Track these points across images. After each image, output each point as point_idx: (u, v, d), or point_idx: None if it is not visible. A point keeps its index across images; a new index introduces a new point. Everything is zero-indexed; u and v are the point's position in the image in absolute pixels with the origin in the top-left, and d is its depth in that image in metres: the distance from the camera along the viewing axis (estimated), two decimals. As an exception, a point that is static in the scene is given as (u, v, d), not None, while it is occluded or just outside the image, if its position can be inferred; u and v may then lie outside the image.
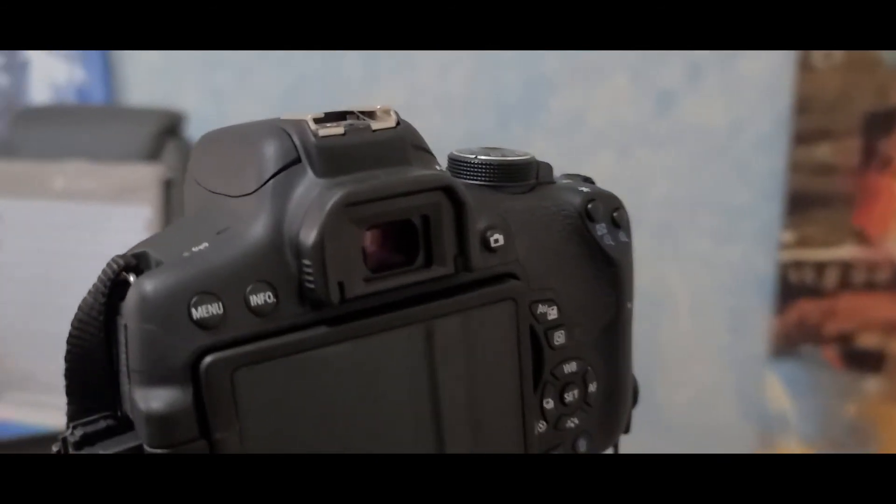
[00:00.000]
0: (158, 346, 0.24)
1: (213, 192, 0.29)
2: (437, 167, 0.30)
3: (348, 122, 0.28)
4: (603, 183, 0.36)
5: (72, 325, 0.26)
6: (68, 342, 0.26)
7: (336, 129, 0.27)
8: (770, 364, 1.11)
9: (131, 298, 0.25)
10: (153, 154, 1.18)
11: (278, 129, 0.27)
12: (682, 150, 1.11)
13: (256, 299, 0.26)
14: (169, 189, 1.16)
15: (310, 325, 0.26)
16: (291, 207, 0.26)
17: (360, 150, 0.28)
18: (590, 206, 0.33)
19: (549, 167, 0.34)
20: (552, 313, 0.33)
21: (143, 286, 0.25)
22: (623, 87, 1.11)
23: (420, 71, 1.18)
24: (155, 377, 0.24)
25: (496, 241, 0.30)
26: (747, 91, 1.06)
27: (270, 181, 0.27)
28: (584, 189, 0.34)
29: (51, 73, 1.71)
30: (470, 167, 0.33)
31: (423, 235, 0.28)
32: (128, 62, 1.54)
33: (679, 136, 1.10)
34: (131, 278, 0.26)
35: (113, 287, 0.26)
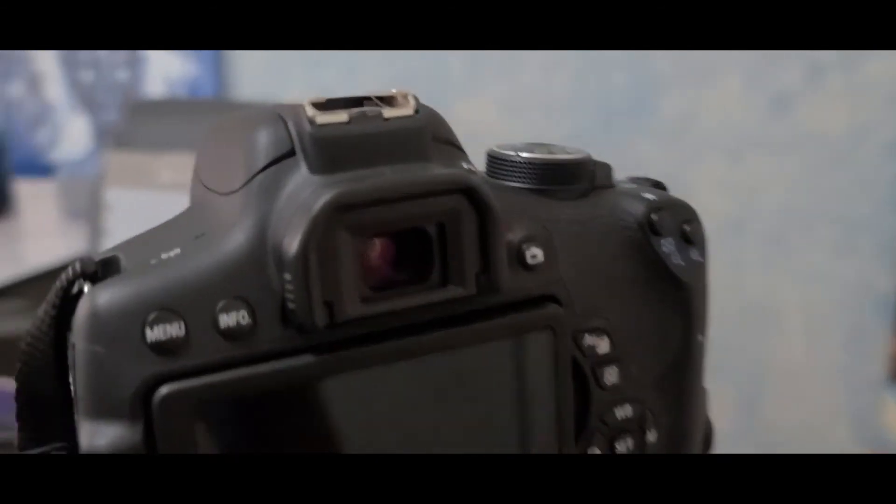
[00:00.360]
0: (106, 371, 0.20)
1: (206, 187, 0.25)
2: (465, 165, 0.25)
3: (356, 108, 0.23)
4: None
5: (24, 339, 0.22)
6: (18, 359, 0.22)
7: (338, 117, 0.22)
8: (888, 387, 1.04)
9: (80, 313, 0.21)
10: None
11: (274, 114, 0.23)
12: (798, 157, 1.05)
13: (227, 319, 0.21)
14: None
15: (293, 352, 0.22)
16: (279, 209, 0.21)
17: (365, 141, 0.22)
18: (654, 216, 0.27)
19: (607, 168, 0.29)
20: (603, 346, 0.27)
21: (94, 299, 0.21)
22: (736, 89, 1.06)
23: (525, 70, 1.16)
24: (101, 408, 0.20)
25: (534, 256, 0.25)
26: (873, 95, 1.00)
27: (258, 177, 0.22)
28: (649, 196, 0.28)
29: (166, 68, 1.78)
30: (510, 166, 0.27)
31: (438, 247, 0.23)
32: (238, 59, 1.58)
33: (795, 142, 1.04)
34: (86, 288, 0.22)
35: (64, 298, 0.22)
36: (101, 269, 0.22)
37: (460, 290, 0.23)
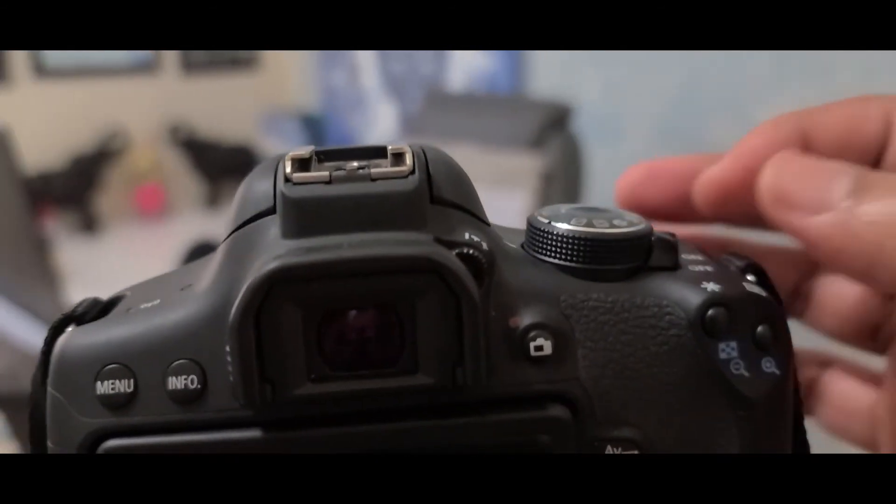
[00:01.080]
0: (62, 416, 0.21)
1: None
2: (468, 235, 0.21)
3: (347, 164, 0.21)
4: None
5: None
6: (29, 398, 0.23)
7: (318, 175, 0.20)
8: None
9: (52, 356, 0.21)
10: (537, 145, 1.21)
11: (275, 163, 0.21)
12: None
13: (176, 382, 0.20)
14: (547, 183, 1.19)
15: (241, 424, 0.20)
16: (249, 271, 0.20)
17: (343, 205, 0.20)
18: (713, 313, 0.22)
19: (671, 245, 0.23)
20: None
21: (62, 345, 0.21)
22: None
23: (839, 70, 1.04)
24: (58, 449, 0.21)
25: (539, 348, 0.21)
26: None
27: (237, 232, 0.21)
28: (714, 287, 0.22)
29: (468, 63, 1.86)
30: (545, 239, 0.23)
31: (407, 330, 0.20)
32: (535, 57, 1.60)
33: None
34: (69, 329, 0.22)
35: (52, 338, 0.22)
36: (96, 311, 0.23)
37: (429, 380, 0.20)
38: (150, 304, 0.22)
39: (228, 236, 0.21)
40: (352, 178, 0.20)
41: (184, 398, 0.20)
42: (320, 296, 0.19)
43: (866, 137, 0.26)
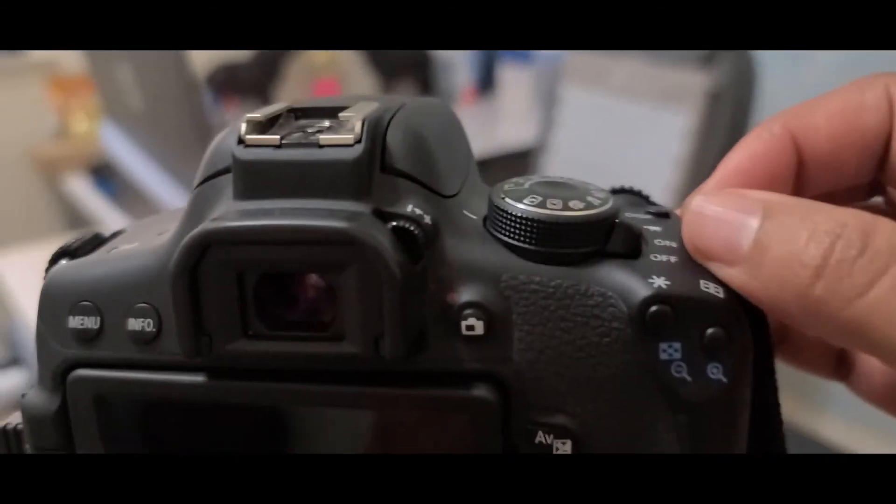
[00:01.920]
0: (43, 345, 0.23)
1: None
2: (411, 208, 0.21)
3: (300, 127, 0.22)
4: None
5: None
6: None
7: (269, 138, 0.21)
8: None
9: (42, 288, 0.23)
10: (707, 62, 1.13)
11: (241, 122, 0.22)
12: None
13: (134, 324, 0.22)
14: (715, 102, 1.11)
15: (188, 369, 0.22)
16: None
17: (290, 170, 0.20)
18: (654, 309, 0.20)
19: (633, 232, 0.22)
20: (562, 447, 0.21)
21: (50, 278, 0.23)
22: None
23: None
24: (39, 374, 0.23)
25: (470, 328, 0.21)
26: None
27: (200, 187, 0.22)
28: (663, 282, 0.20)
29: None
30: (497, 215, 0.22)
31: (336, 299, 0.20)
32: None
33: None
34: (63, 262, 0.24)
35: (47, 269, 0.24)
36: (90, 247, 0.24)
37: (354, 349, 0.20)
38: (129, 247, 0.23)
39: (195, 188, 0.22)
40: (300, 143, 0.21)
41: (141, 339, 0.22)
42: (253, 259, 0.20)
43: (866, 132, 0.22)
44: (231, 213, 0.20)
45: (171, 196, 1.06)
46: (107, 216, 1.43)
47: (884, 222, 0.19)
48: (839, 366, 0.29)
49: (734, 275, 0.20)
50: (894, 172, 0.23)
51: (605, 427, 0.21)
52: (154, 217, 0.27)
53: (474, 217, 0.22)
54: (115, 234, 0.26)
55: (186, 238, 0.20)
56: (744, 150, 0.23)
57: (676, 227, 0.23)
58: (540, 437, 0.21)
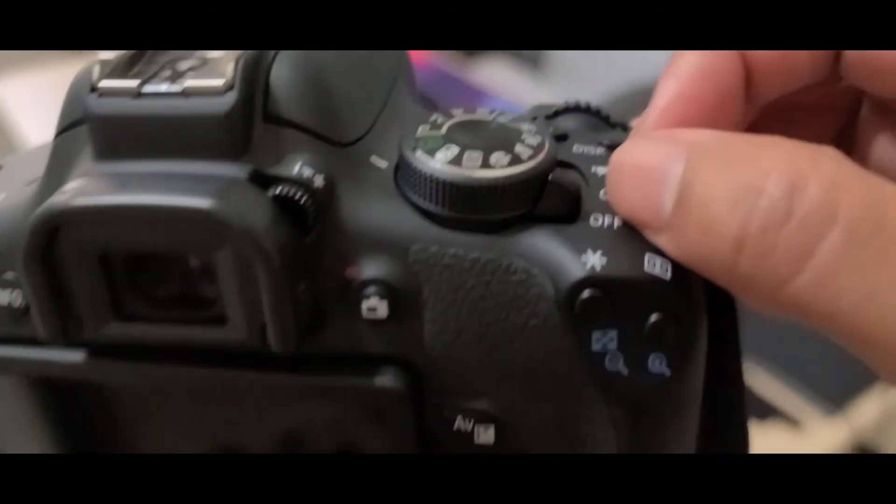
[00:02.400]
0: None
1: None
2: (301, 169, 0.17)
3: (170, 63, 0.18)
4: None
5: None
6: None
7: (124, 85, 0.17)
8: None
9: None
10: None
11: (93, 63, 0.18)
12: None
13: (1, 296, 0.19)
14: None
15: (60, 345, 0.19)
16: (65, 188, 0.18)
17: (150, 126, 0.17)
18: (586, 294, 0.17)
19: (569, 193, 0.18)
20: (484, 433, 0.19)
21: None
22: None
23: None
24: None
25: (371, 309, 0.18)
26: None
27: (58, 138, 0.19)
28: (596, 261, 0.17)
29: None
30: (408, 172, 0.18)
31: (212, 276, 0.18)
32: None
33: None
34: None
35: None
36: None
37: (237, 336, 0.18)
38: None
39: (55, 138, 0.19)
40: (162, 93, 0.17)
41: (8, 314, 0.20)
42: (113, 239, 0.17)
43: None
44: (84, 183, 0.17)
45: None
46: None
47: (821, 166, 0.15)
48: (837, 144, 0.25)
49: (663, 243, 0.17)
50: (849, 60, 0.19)
51: (533, 415, 0.19)
52: (33, 152, 0.24)
53: (384, 165, 0.19)
54: None
55: (32, 217, 0.17)
56: (684, 68, 0.19)
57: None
58: (459, 422, 0.19)
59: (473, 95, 1.15)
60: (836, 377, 0.74)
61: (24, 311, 0.19)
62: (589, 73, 1.19)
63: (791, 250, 0.15)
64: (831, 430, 0.70)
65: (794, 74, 0.20)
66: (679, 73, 0.19)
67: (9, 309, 0.20)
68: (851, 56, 0.19)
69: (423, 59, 1.19)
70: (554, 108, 0.22)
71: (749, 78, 0.19)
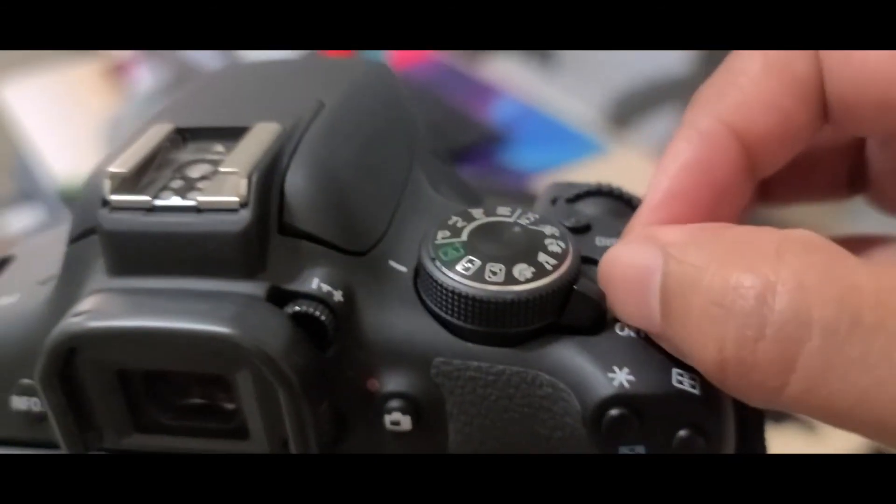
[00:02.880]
0: None
1: None
2: (317, 283, 0.17)
3: (180, 170, 0.18)
4: None
5: None
6: None
7: (138, 200, 0.17)
8: None
9: None
10: None
11: (101, 172, 0.18)
12: None
13: (19, 403, 0.19)
14: None
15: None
16: (80, 298, 0.17)
17: (165, 243, 0.17)
18: (613, 413, 0.17)
19: (594, 303, 0.17)
20: None
21: None
22: None
23: None
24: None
25: (395, 423, 0.18)
26: None
27: (72, 246, 0.18)
28: (624, 378, 0.17)
29: None
30: (428, 281, 0.18)
31: (232, 391, 0.17)
32: None
33: None
34: None
35: None
36: None
37: (261, 448, 0.17)
38: (8, 301, 0.20)
39: (68, 245, 0.18)
40: (176, 207, 0.17)
41: (27, 419, 0.19)
42: (131, 359, 0.17)
43: (802, 82, 0.18)
44: (99, 302, 0.17)
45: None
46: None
47: (787, 266, 0.14)
48: (853, 179, 0.24)
49: (667, 349, 0.17)
50: (835, 111, 0.19)
51: None
52: (43, 242, 0.24)
53: (404, 269, 0.18)
54: (1, 264, 0.22)
55: (48, 340, 0.17)
56: (673, 164, 0.18)
57: None
58: None
59: (482, 92, 1.14)
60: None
61: (43, 417, 0.19)
62: (598, 70, 1.18)
63: (772, 365, 0.14)
64: (847, 433, 0.69)
65: (794, 140, 0.19)
66: (668, 171, 0.18)
67: (27, 414, 0.19)
68: (836, 105, 0.19)
69: (430, 57, 1.18)
70: (575, 192, 0.22)
71: (751, 157, 0.19)
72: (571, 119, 1.09)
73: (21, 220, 1.13)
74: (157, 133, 0.18)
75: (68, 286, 0.18)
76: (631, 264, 0.17)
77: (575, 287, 0.18)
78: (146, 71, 1.10)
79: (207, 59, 0.99)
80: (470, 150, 1.02)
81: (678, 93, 1.14)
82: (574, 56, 1.22)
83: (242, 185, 0.16)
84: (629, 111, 1.08)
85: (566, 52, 1.22)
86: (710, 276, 0.15)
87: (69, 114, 1.16)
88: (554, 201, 0.22)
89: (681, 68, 1.09)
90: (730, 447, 0.18)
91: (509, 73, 1.21)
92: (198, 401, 0.18)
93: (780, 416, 0.71)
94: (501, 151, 1.02)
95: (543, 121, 1.10)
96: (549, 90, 1.17)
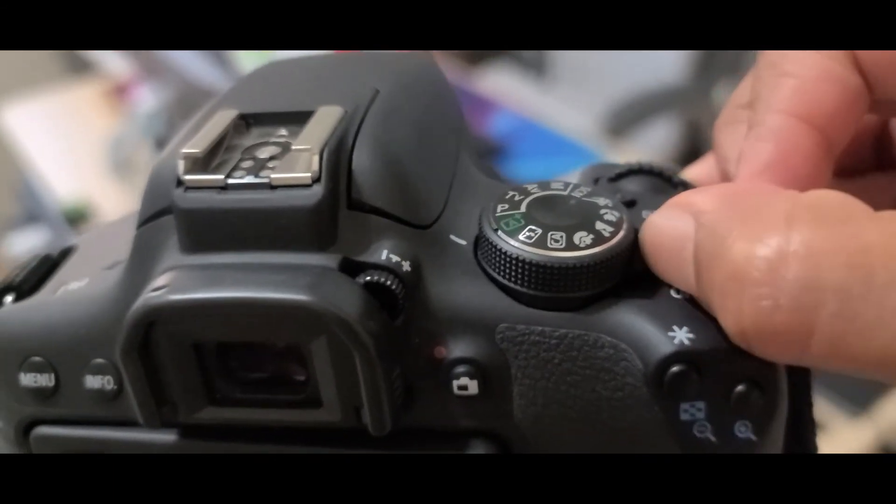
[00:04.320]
0: (1, 398, 0.21)
1: None
2: (388, 255, 0.18)
3: (249, 152, 0.18)
4: None
5: None
6: None
7: (211, 179, 0.18)
8: None
9: None
10: None
11: (175, 154, 0.18)
12: None
13: (93, 381, 0.20)
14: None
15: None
16: (154, 277, 0.18)
17: (240, 219, 0.17)
18: (675, 370, 0.17)
19: (614, 259, 0.18)
20: None
21: None
22: None
23: None
24: (2, 424, 0.21)
25: (463, 388, 0.18)
26: None
27: (142, 228, 0.19)
28: (683, 336, 0.17)
29: None
30: (489, 251, 0.18)
31: (308, 366, 0.18)
32: None
33: None
34: (7, 302, 0.21)
35: None
36: (36, 280, 0.22)
37: (333, 418, 0.18)
38: (78, 285, 0.21)
39: (138, 227, 0.19)
40: (249, 185, 0.17)
41: (101, 397, 0.20)
42: (207, 331, 0.18)
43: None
44: (177, 277, 0.17)
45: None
46: (108, 59, 1.38)
47: (797, 232, 0.15)
48: (881, 160, 0.25)
49: (707, 309, 0.17)
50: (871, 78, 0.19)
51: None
52: (105, 232, 0.24)
53: (463, 243, 0.19)
54: (64, 254, 0.23)
55: (129, 315, 0.17)
56: (755, 165, 0.19)
57: None
58: None
59: (479, 106, 1.15)
60: (860, 379, 0.73)
61: (116, 395, 0.20)
62: (593, 81, 1.20)
63: (791, 332, 0.15)
64: (856, 432, 0.70)
65: (857, 108, 0.20)
66: (753, 172, 0.19)
67: (101, 392, 0.20)
68: (870, 72, 0.19)
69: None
70: (616, 171, 0.22)
71: (825, 137, 0.19)
72: (568, 130, 1.11)
73: (27, 241, 1.14)
74: (223, 118, 0.19)
75: (142, 266, 0.19)
76: (667, 232, 0.18)
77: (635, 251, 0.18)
78: (147, 91, 1.11)
79: (209, 78, 1.00)
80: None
81: (673, 101, 1.16)
82: (569, 68, 1.23)
83: (315, 161, 0.17)
84: (625, 121, 1.09)
85: (560, 63, 1.23)
86: (729, 246, 0.16)
87: (71, 135, 1.17)
88: (596, 181, 0.22)
89: (676, 77, 1.11)
90: (784, 398, 0.18)
91: (506, 87, 1.23)
92: (267, 372, 0.19)
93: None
94: (500, 163, 1.03)
95: (541, 133, 1.12)
96: (546, 102, 1.18)
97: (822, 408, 0.71)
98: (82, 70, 1.63)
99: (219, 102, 0.20)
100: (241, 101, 0.20)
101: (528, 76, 1.28)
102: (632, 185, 0.22)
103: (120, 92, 1.19)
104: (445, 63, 1.17)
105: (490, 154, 1.05)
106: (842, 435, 0.70)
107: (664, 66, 1.11)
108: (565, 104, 1.18)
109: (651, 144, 1.17)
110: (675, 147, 1.19)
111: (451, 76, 1.15)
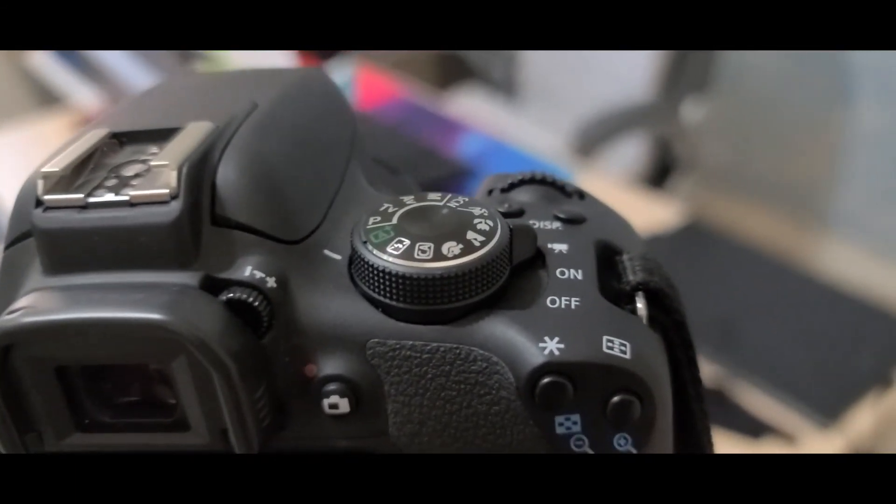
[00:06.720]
0: None
1: None
2: (251, 270, 0.17)
3: (115, 170, 0.18)
4: None
5: None
6: None
7: (71, 198, 0.17)
8: None
9: None
10: None
11: (37, 174, 0.18)
12: None
13: None
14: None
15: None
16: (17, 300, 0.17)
17: (99, 238, 0.17)
18: (546, 382, 0.17)
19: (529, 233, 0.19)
20: None
21: None
22: None
23: None
24: None
25: (333, 406, 0.18)
26: None
27: (8, 251, 0.19)
28: (554, 346, 0.17)
29: None
30: (360, 264, 0.18)
31: (170, 390, 0.17)
32: None
33: None
34: None
35: None
36: None
37: (201, 441, 0.17)
38: None
39: (4, 250, 0.19)
40: (109, 203, 0.17)
41: None
42: (68, 353, 0.17)
43: None
44: (35, 299, 0.17)
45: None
46: (76, 91, 1.38)
47: None
48: None
49: None
50: None
51: None
52: None
53: (338, 257, 0.19)
54: None
55: None
56: None
57: (589, 239, 0.19)
58: None
59: (449, 128, 1.15)
60: (828, 389, 0.73)
61: None
62: (562, 101, 1.20)
63: None
64: (826, 443, 0.69)
65: None
66: None
67: None
68: None
69: (396, 94, 1.19)
70: (509, 181, 0.22)
71: None
72: (538, 150, 1.11)
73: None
74: (91, 137, 0.19)
75: (5, 290, 0.18)
76: None
77: (511, 227, 0.18)
78: (114, 121, 1.11)
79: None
80: (440, 186, 1.02)
81: (642, 118, 1.16)
82: (538, 88, 1.24)
83: (172, 177, 0.17)
84: (594, 139, 1.10)
85: (529, 84, 1.24)
86: None
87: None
88: (490, 192, 0.22)
89: (643, 94, 1.11)
90: (667, 409, 0.18)
91: (475, 109, 1.23)
92: (137, 395, 0.18)
93: (759, 431, 0.71)
94: (470, 185, 1.03)
95: (510, 153, 1.11)
96: (516, 123, 1.19)
97: (792, 418, 0.70)
98: (52, 103, 1.62)
99: (95, 122, 0.20)
100: (116, 120, 0.20)
101: (497, 98, 1.29)
102: (522, 196, 0.21)
103: (88, 123, 1.18)
104: (415, 86, 1.18)
105: (459, 176, 1.05)
106: (811, 445, 0.69)
107: (632, 83, 1.12)
108: (535, 125, 1.19)
109: (621, 162, 1.18)
110: (645, 163, 1.19)
111: (420, 99, 1.16)
